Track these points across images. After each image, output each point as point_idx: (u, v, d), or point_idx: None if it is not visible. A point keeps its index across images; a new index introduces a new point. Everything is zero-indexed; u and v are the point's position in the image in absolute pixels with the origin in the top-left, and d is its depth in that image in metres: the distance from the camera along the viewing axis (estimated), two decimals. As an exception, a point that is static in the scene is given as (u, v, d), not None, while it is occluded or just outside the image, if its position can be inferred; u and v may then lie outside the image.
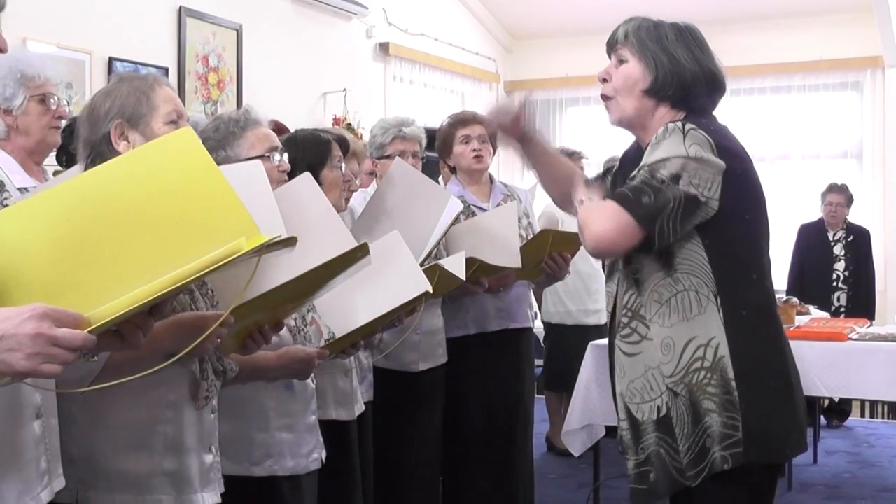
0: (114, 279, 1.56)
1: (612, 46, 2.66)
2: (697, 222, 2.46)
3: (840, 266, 7.55)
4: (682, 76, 2.56)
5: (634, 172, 2.50)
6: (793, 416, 2.51)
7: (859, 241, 7.64)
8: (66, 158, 3.47)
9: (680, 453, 2.46)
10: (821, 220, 7.65)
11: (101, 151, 2.22)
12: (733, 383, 2.43)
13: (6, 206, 1.80)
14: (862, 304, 7.41)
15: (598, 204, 2.51)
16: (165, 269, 1.56)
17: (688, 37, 2.60)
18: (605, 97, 2.67)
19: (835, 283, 7.52)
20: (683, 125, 2.47)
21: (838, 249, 7.58)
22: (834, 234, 7.60)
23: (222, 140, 2.74)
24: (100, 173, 1.66)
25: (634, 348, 2.56)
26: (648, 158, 2.48)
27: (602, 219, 2.45)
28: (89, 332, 1.49)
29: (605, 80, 2.66)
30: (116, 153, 2.20)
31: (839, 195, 7.58)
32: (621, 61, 2.62)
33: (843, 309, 7.34)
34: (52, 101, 3.13)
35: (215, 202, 1.63)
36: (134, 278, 1.56)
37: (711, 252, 2.47)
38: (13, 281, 1.55)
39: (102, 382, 1.76)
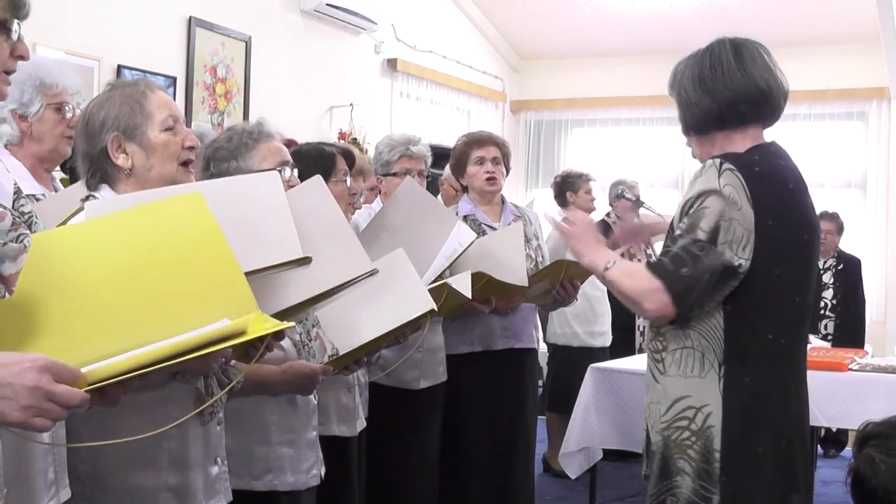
0: (106, 333, 1.55)
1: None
2: (728, 291, 2.46)
3: (829, 294, 7.51)
4: (690, 110, 2.60)
5: (678, 223, 2.50)
6: (781, 480, 2.50)
7: (849, 270, 7.60)
8: (71, 167, 3.46)
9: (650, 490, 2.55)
10: None
11: (101, 166, 2.21)
12: (717, 454, 2.44)
13: (22, 212, 1.81)
14: (850, 332, 7.36)
15: (643, 275, 2.48)
16: (160, 332, 1.54)
17: (705, 62, 2.60)
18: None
19: (822, 311, 7.48)
20: (721, 163, 2.47)
21: (827, 277, 7.54)
22: (824, 263, 7.55)
23: (234, 151, 2.74)
24: (108, 224, 1.66)
25: (649, 377, 2.61)
26: (686, 196, 2.51)
27: (652, 289, 2.44)
28: (85, 391, 1.46)
29: None
30: (116, 167, 2.19)
31: (830, 223, 7.54)
32: None
33: (830, 337, 7.29)
34: (67, 109, 3.13)
35: (219, 274, 1.63)
36: (126, 335, 1.54)
37: (729, 318, 2.47)
38: (36, 305, 1.54)
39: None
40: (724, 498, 2.44)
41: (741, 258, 2.42)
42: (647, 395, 2.64)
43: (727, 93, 2.55)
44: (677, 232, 2.49)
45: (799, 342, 2.60)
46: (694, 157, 2.70)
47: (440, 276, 3.44)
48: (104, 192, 2.22)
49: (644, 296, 2.46)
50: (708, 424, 2.45)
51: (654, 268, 2.46)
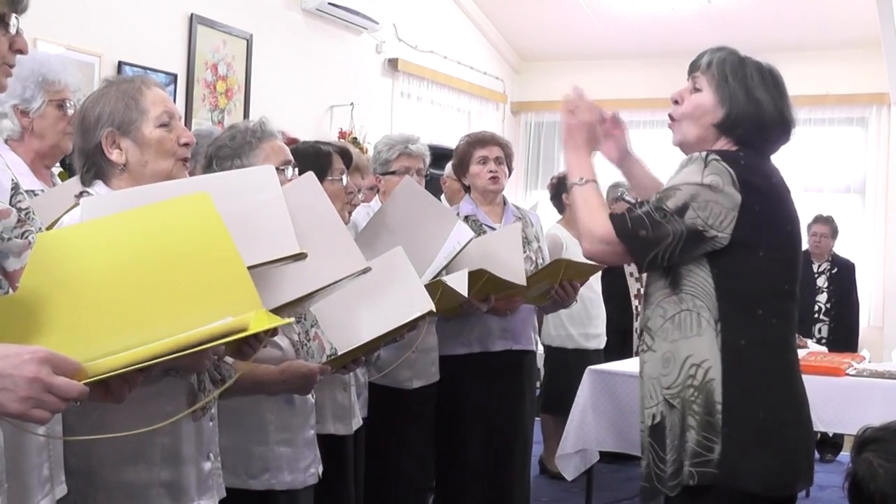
0: (111, 330, 1.55)
1: (692, 70, 2.69)
2: (702, 252, 2.52)
3: (822, 298, 7.49)
4: (759, 119, 2.60)
5: (653, 196, 2.57)
6: (779, 453, 2.52)
7: (843, 274, 7.58)
8: (69, 163, 3.47)
9: (665, 462, 2.56)
10: (806, 252, 7.58)
11: (95, 161, 2.21)
12: (718, 406, 2.48)
13: (20, 208, 1.81)
14: (843, 337, 7.35)
15: (599, 217, 2.60)
16: (164, 330, 1.55)
17: (769, 79, 2.63)
18: (671, 118, 2.72)
19: (816, 315, 7.46)
20: (707, 155, 2.52)
21: (822, 281, 7.52)
22: (819, 266, 7.54)
23: (238, 149, 2.75)
24: (114, 223, 1.67)
25: (643, 357, 2.66)
26: (667, 183, 2.56)
27: (599, 238, 2.58)
28: (84, 383, 1.47)
29: (676, 102, 2.71)
30: (110, 162, 2.20)
31: (824, 226, 7.53)
32: (696, 88, 2.66)
33: (823, 340, 7.29)
34: (69, 106, 3.13)
35: (225, 273, 1.64)
36: (131, 332, 1.55)
37: (718, 280, 2.52)
38: (40, 302, 1.54)
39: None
40: (725, 447, 2.46)
41: (716, 230, 2.48)
42: (642, 383, 2.66)
43: (765, 118, 2.59)
44: (645, 200, 2.57)
45: (790, 331, 2.64)
46: (679, 142, 2.70)
47: (437, 276, 3.45)
48: (98, 187, 2.22)
49: (590, 236, 2.60)
50: (708, 378, 2.50)
51: (615, 220, 2.55)
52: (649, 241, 2.49)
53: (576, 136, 2.77)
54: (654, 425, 2.59)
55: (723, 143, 2.62)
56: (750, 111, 2.59)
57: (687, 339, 2.53)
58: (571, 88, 2.86)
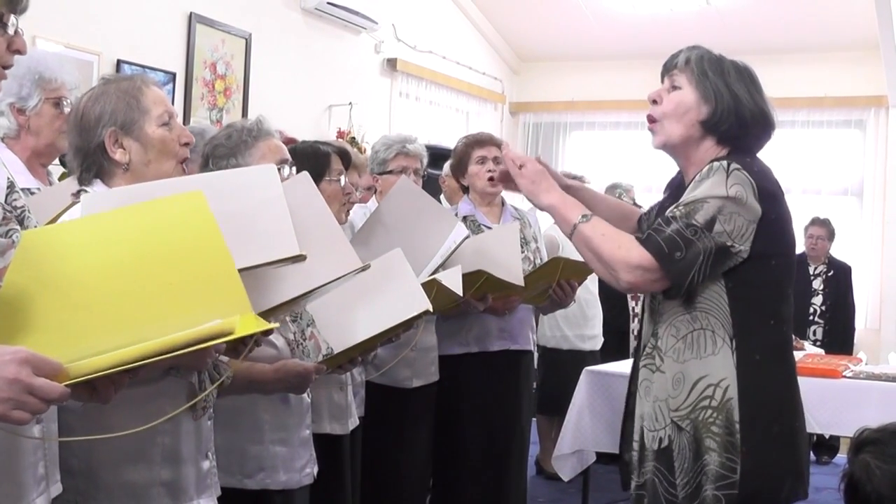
0: (99, 330, 1.54)
1: (668, 69, 2.64)
2: (725, 269, 2.46)
3: (818, 300, 7.49)
4: (741, 114, 2.54)
5: (672, 209, 2.48)
6: (791, 463, 2.52)
7: (839, 277, 7.58)
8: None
9: (676, 486, 2.49)
10: (802, 254, 7.57)
11: (95, 160, 2.20)
12: (737, 426, 2.44)
13: (15, 206, 1.80)
14: (838, 339, 7.34)
15: (629, 244, 2.48)
16: (152, 331, 1.53)
17: (746, 76, 2.59)
18: (651, 119, 2.66)
19: (811, 317, 7.46)
20: (728, 164, 2.46)
21: (817, 284, 7.51)
22: (815, 269, 7.54)
23: (234, 148, 2.75)
24: (105, 221, 1.65)
25: (651, 376, 2.59)
26: (689, 195, 2.48)
27: (636, 265, 2.45)
28: (66, 385, 1.45)
29: (654, 102, 2.64)
30: (113, 161, 2.19)
31: (821, 228, 7.53)
32: (675, 87, 2.60)
33: (819, 343, 7.29)
34: (65, 104, 3.13)
35: (215, 274, 1.63)
36: (119, 332, 1.54)
37: (733, 296, 2.47)
38: (22, 299, 1.53)
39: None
40: (745, 465, 2.43)
41: (739, 245, 2.43)
42: (642, 402, 2.60)
43: (746, 113, 2.54)
44: (670, 214, 2.47)
45: (791, 335, 2.62)
46: (663, 144, 2.65)
47: (434, 273, 3.44)
48: (96, 186, 2.21)
49: (627, 265, 2.46)
50: (727, 397, 2.45)
51: (648, 244, 2.45)
52: (686, 263, 2.41)
53: (540, 183, 2.64)
54: (661, 449, 2.52)
55: (710, 143, 2.57)
56: (734, 107, 2.54)
57: (701, 358, 2.48)
58: (503, 149, 2.76)
